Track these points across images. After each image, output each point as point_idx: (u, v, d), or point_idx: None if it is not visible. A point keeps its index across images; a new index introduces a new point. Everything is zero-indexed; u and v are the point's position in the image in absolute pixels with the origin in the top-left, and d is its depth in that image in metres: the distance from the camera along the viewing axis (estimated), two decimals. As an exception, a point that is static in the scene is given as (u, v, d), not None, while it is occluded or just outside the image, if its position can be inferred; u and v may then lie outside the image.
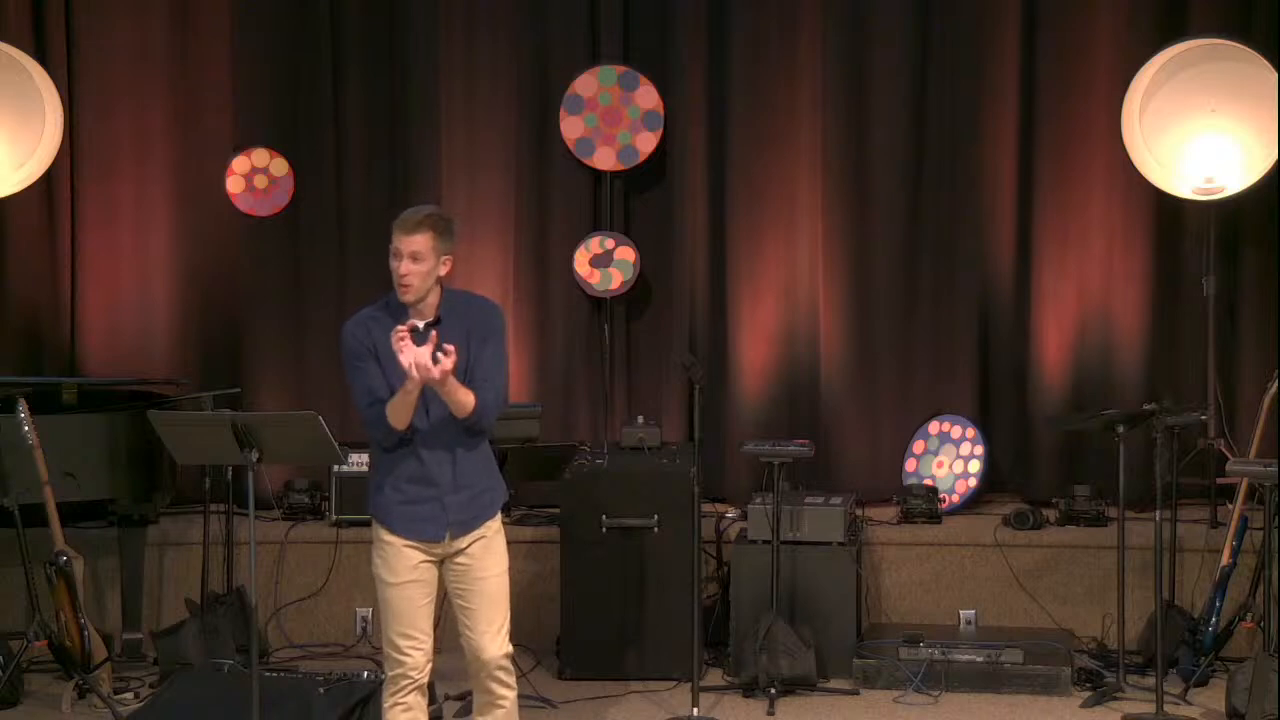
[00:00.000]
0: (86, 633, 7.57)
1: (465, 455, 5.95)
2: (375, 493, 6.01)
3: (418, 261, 5.82)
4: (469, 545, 5.97)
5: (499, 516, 6.06)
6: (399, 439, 5.90)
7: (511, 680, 6.06)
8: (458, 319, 5.91)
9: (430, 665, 6.01)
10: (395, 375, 5.82)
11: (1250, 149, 8.44)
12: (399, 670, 5.97)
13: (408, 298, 5.86)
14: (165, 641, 7.86)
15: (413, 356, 5.72)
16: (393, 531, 5.96)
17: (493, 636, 5.98)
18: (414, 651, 5.96)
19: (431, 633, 6.01)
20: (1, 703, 7.50)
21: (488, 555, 5.99)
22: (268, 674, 7.35)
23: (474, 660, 6.02)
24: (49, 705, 7.60)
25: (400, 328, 5.76)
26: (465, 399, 5.84)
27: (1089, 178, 8.85)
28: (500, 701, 6.05)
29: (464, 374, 5.85)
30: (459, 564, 5.98)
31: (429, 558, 5.97)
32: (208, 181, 9.04)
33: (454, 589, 6.01)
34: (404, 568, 5.95)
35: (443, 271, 5.88)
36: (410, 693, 5.99)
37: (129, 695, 7.66)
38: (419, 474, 5.93)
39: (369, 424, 5.94)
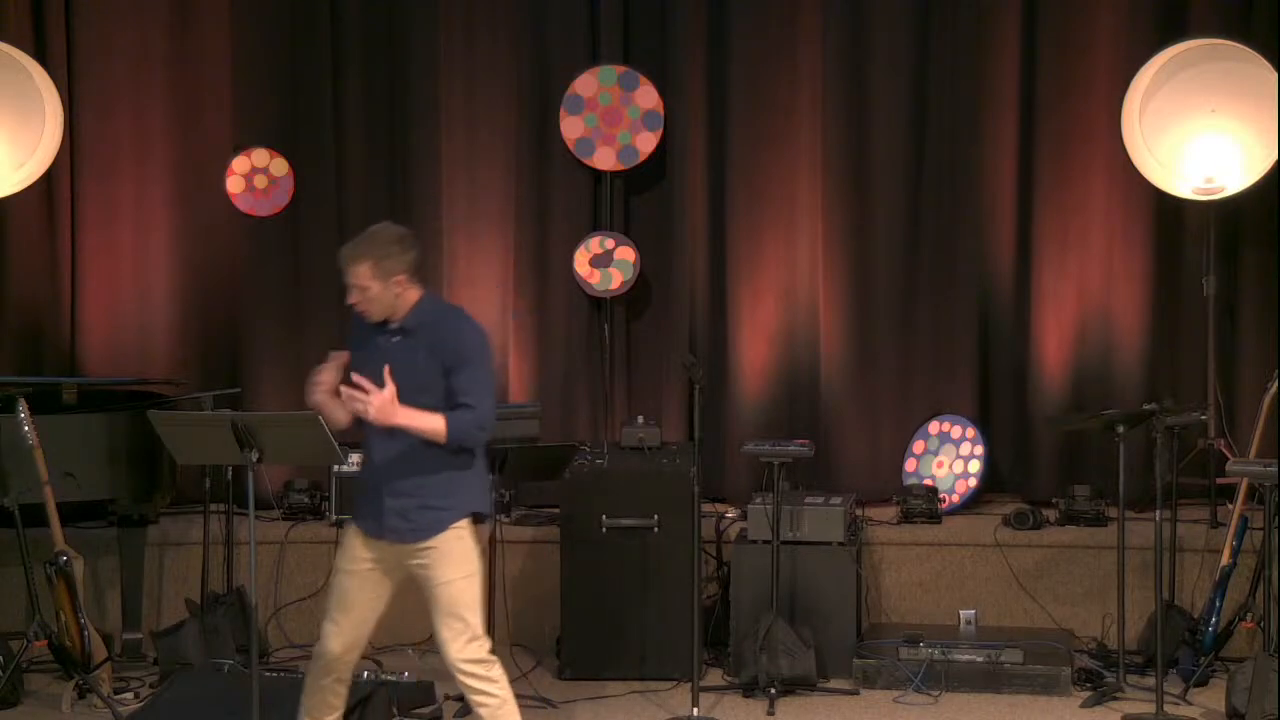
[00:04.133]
0: (86, 633, 7.56)
1: (415, 466, 5.98)
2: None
3: (364, 292, 5.96)
4: (422, 551, 6.01)
5: (461, 526, 6.01)
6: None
7: (482, 685, 6.01)
8: (425, 331, 5.99)
9: (349, 659, 6.11)
10: (357, 364, 6.00)
11: (1250, 149, 8.44)
12: (316, 648, 6.13)
13: (371, 319, 6.01)
14: (165, 641, 7.86)
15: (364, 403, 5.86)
16: (354, 517, 6.13)
17: (451, 640, 5.99)
18: (327, 637, 6.08)
19: (358, 628, 6.07)
20: (1, 703, 7.49)
21: (442, 564, 6.01)
22: (268, 674, 7.36)
23: (443, 662, 6.06)
24: (49, 705, 7.60)
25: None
26: (431, 426, 5.90)
27: (1089, 178, 8.85)
28: (476, 701, 6.04)
29: (419, 390, 5.91)
30: (414, 567, 6.04)
31: (378, 559, 6.04)
32: (208, 181, 9.03)
33: (421, 592, 6.06)
34: (347, 557, 6.10)
35: (396, 291, 5.96)
36: (323, 676, 6.11)
37: (129, 695, 7.66)
38: (369, 470, 6.10)
39: None
